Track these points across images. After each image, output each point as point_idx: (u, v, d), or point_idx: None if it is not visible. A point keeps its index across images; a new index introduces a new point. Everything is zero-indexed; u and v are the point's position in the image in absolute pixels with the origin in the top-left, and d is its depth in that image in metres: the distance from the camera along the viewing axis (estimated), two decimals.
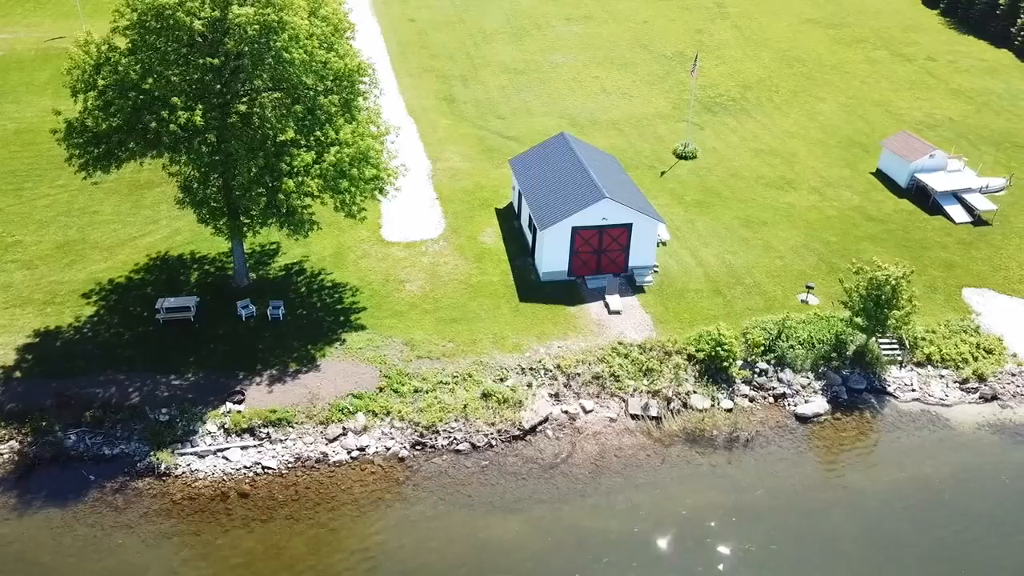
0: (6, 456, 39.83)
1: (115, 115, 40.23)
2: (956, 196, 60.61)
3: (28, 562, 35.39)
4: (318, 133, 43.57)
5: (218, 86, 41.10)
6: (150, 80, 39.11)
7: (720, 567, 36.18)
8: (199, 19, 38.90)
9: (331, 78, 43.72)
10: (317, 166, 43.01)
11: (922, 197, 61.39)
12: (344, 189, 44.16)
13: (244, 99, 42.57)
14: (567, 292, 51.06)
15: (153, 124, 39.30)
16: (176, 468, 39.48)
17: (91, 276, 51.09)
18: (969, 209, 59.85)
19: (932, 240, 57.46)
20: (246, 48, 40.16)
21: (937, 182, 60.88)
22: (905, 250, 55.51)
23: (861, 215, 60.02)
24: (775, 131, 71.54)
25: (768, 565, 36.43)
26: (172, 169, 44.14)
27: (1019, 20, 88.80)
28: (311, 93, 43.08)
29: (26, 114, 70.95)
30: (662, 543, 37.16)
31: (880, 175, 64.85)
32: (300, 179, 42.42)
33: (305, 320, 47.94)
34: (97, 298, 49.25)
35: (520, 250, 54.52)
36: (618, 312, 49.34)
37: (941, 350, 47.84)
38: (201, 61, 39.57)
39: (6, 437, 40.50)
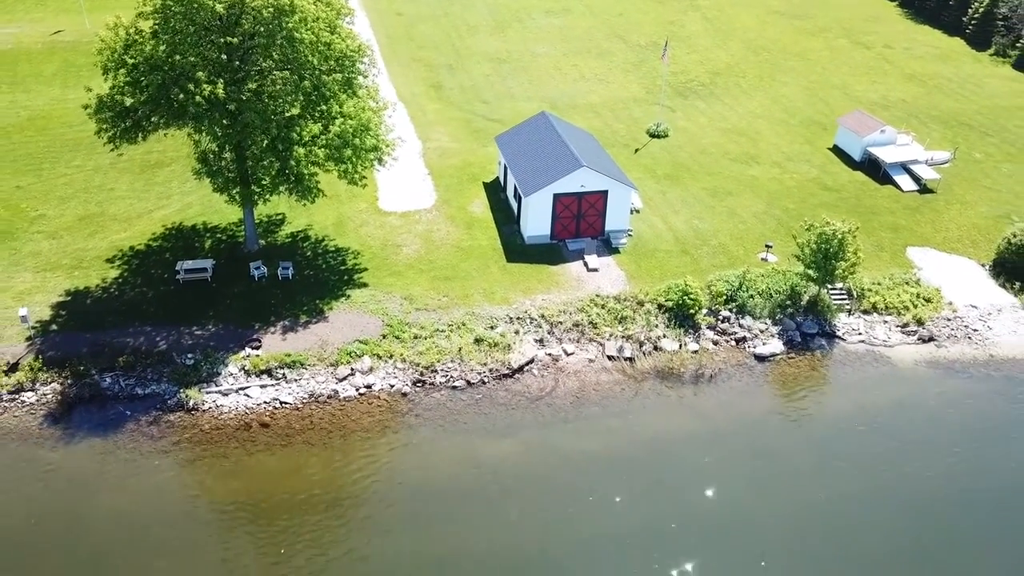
0: (50, 396, 44.42)
1: (145, 89, 44.94)
2: (904, 167, 66.27)
3: (76, 482, 40.03)
4: (323, 107, 48.51)
5: (237, 63, 45.92)
6: (177, 57, 43.87)
7: (683, 476, 41.43)
8: (220, 2, 43.68)
9: (334, 58, 48.61)
10: (323, 136, 48.00)
11: (874, 169, 67.01)
12: (347, 158, 49.09)
13: (256, 78, 47.32)
14: (550, 253, 56.20)
15: (181, 96, 44.05)
16: (203, 404, 44.25)
17: (113, 244, 55.68)
18: (916, 179, 65.49)
19: (881, 206, 63.06)
20: (261, 28, 45.02)
21: (887, 155, 66.54)
22: (857, 215, 60.85)
23: (818, 185, 65.56)
24: (741, 112, 77.01)
25: (725, 475, 41.67)
26: (195, 137, 48.86)
27: (970, 10, 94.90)
28: (316, 72, 47.96)
29: (37, 102, 75.21)
30: (634, 458, 42.31)
31: (836, 150, 70.45)
32: (309, 148, 47.37)
33: (312, 279, 52.79)
34: (120, 263, 53.86)
35: (506, 219, 59.56)
36: (596, 270, 54.52)
37: (885, 299, 53.35)
38: (222, 40, 44.40)
39: (48, 380, 45.09)
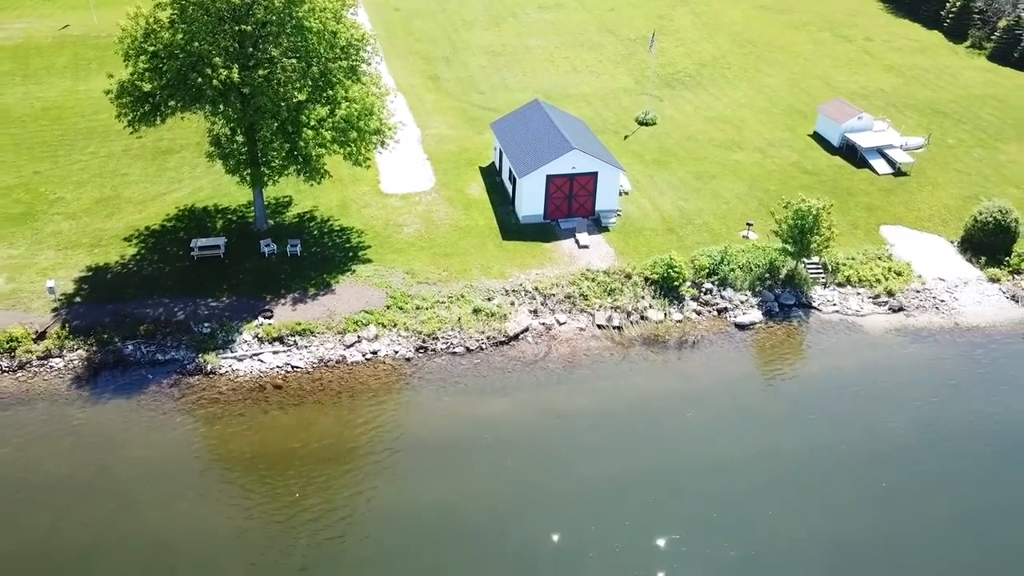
0: (76, 362, 47.51)
1: (164, 75, 48.07)
2: (880, 152, 69.72)
3: (104, 436, 43.12)
4: (329, 92, 51.71)
5: (250, 49, 49.08)
6: (196, 44, 47.02)
7: (667, 429, 44.79)
8: None
9: (340, 46, 51.81)
10: (330, 120, 51.23)
11: (851, 153, 70.45)
12: (352, 140, 52.34)
13: (266, 65, 50.40)
14: (543, 232, 59.46)
15: (199, 80, 47.22)
16: (220, 368, 47.37)
17: (129, 224, 58.76)
18: (891, 163, 68.94)
19: (858, 188, 66.47)
20: (272, 17, 48.21)
21: (864, 140, 69.98)
22: (834, 196, 63.81)
23: (798, 169, 68.96)
24: (726, 102, 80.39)
25: (706, 428, 45.00)
26: (210, 120, 52.01)
27: (948, 4, 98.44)
28: (323, 59, 51.11)
29: (50, 94, 78.22)
30: (622, 414, 45.66)
31: (816, 137, 73.86)
32: (316, 130, 50.59)
33: (319, 256, 55.96)
34: (137, 241, 56.96)
35: (502, 200, 62.82)
36: (586, 247, 57.81)
37: (859, 273, 56.74)
38: (236, 28, 47.57)
39: (75, 347, 48.16)
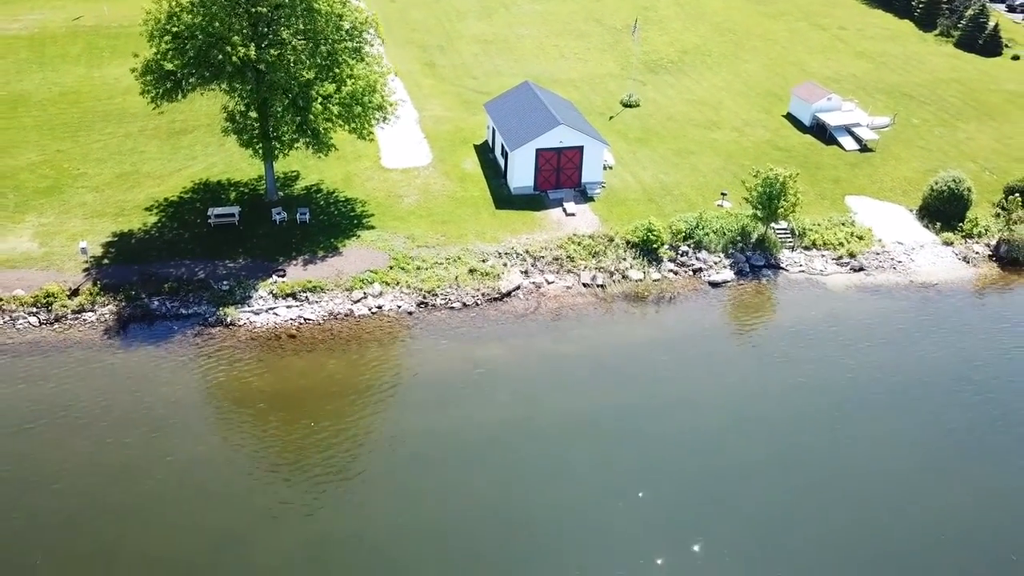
0: (107, 316, 52.09)
1: (187, 52, 52.68)
2: (847, 130, 74.69)
3: (139, 378, 47.71)
4: (336, 71, 56.40)
5: (264, 30, 53.76)
6: (216, 23, 51.66)
7: (644, 370, 49.67)
8: None
9: (345, 29, 56.52)
10: (337, 95, 55.91)
11: (821, 132, 75.39)
12: (357, 115, 57.05)
13: (278, 45, 55.02)
14: (533, 202, 64.26)
15: (220, 57, 51.86)
16: (239, 321, 52.02)
17: (149, 196, 63.31)
18: (857, 140, 73.94)
19: (826, 163, 71.44)
20: (286, 0, 52.85)
21: (833, 119, 74.94)
22: (804, 170, 69.02)
23: (771, 146, 73.88)
24: (706, 86, 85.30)
25: (680, 371, 49.89)
26: (228, 95, 56.60)
27: None
28: (330, 40, 55.78)
29: (66, 80, 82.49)
30: (604, 357, 50.54)
31: (790, 117, 78.79)
32: (324, 105, 55.29)
33: (327, 223, 60.64)
34: (157, 210, 61.52)
35: (495, 174, 67.57)
36: (573, 215, 62.62)
37: (823, 237, 61.69)
38: (252, 10, 52.23)
39: (105, 303, 52.73)
